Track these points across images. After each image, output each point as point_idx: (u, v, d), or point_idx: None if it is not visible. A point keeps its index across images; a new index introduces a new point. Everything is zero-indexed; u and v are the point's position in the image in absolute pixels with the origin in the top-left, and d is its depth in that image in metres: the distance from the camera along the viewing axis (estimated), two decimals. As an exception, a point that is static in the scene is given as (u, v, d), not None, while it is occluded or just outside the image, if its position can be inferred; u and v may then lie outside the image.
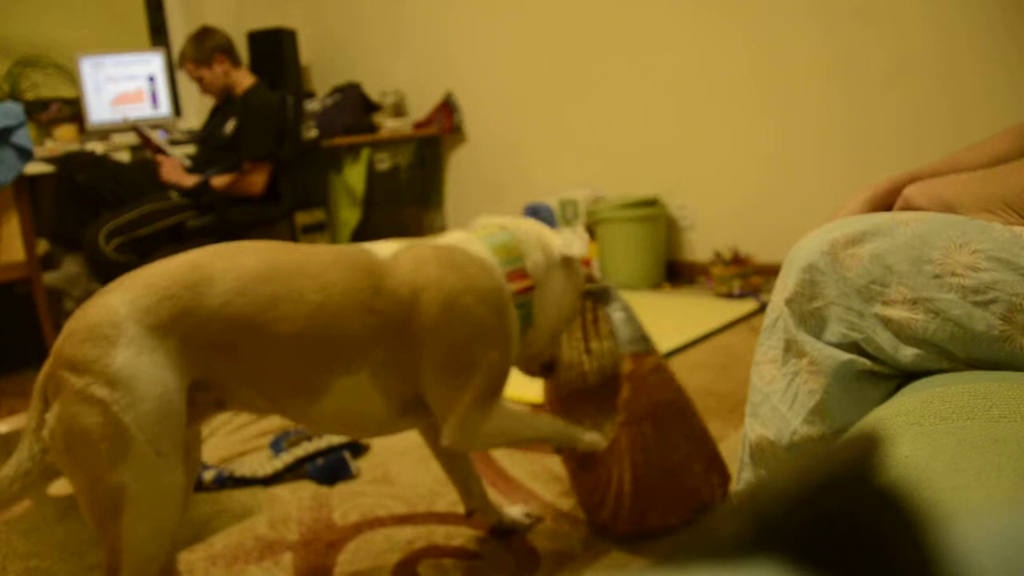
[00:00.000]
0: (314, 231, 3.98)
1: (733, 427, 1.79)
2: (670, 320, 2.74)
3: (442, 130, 4.18)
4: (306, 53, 4.41)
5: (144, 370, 0.95)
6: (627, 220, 3.34)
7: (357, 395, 1.12)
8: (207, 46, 3.18)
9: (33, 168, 2.90)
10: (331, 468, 1.67)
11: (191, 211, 3.13)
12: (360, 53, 4.47)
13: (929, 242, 0.74)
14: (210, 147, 3.28)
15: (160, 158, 3.21)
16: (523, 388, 2.04)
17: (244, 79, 3.29)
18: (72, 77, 3.74)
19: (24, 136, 2.31)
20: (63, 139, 3.59)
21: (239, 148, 3.16)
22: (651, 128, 3.48)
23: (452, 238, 1.24)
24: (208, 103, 3.49)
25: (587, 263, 3.46)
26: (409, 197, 4.17)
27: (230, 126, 3.22)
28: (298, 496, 1.62)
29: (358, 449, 1.79)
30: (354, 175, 3.92)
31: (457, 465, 1.40)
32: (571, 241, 1.31)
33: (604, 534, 1.37)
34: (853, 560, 0.19)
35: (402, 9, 4.27)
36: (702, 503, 1.32)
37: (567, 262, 1.31)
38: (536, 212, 3.52)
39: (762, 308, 2.83)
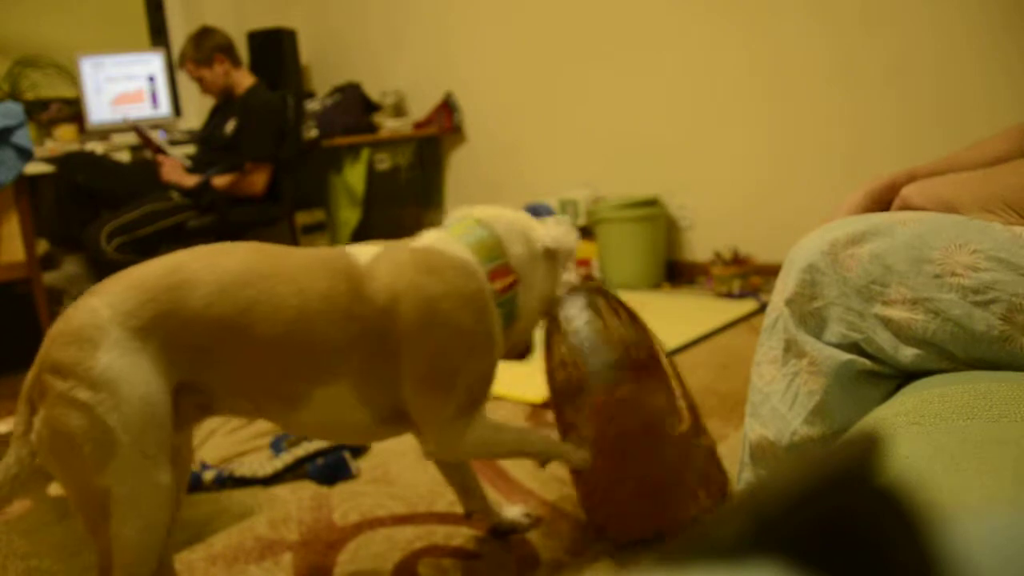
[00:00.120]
0: (314, 231, 3.98)
1: (733, 427, 1.79)
2: (670, 320, 2.74)
3: (442, 130, 4.18)
4: (306, 53, 4.41)
5: (127, 372, 0.96)
6: (627, 220, 3.34)
7: (337, 403, 1.10)
8: (207, 46, 3.18)
9: (33, 168, 2.90)
10: (331, 468, 1.67)
11: (192, 211, 3.13)
12: (360, 53, 4.47)
13: (929, 242, 0.74)
14: (210, 147, 3.28)
15: (160, 158, 3.21)
16: (523, 389, 2.05)
17: (244, 79, 3.29)
18: (72, 77, 3.74)
19: (24, 136, 2.31)
20: (63, 139, 3.59)
21: (239, 148, 3.16)
22: (651, 128, 3.48)
23: (429, 239, 1.20)
24: (208, 103, 3.49)
25: (585, 263, 3.46)
26: (409, 197, 4.17)
27: (230, 126, 3.23)
28: (298, 496, 1.62)
29: (358, 449, 1.79)
30: (354, 175, 3.92)
31: (455, 467, 1.39)
32: (556, 231, 1.27)
33: (603, 535, 1.37)
34: (853, 560, 0.19)
35: (402, 9, 4.27)
36: (691, 516, 1.29)
37: (550, 253, 1.27)
38: (536, 212, 3.51)
39: (762, 308, 2.83)
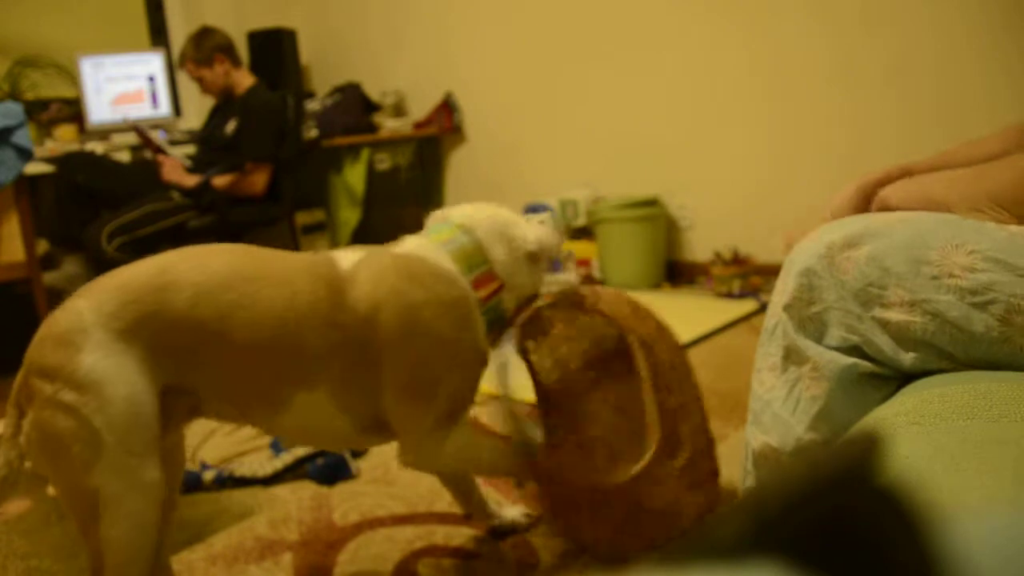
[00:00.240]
0: (314, 231, 3.98)
1: (733, 427, 1.79)
2: (670, 320, 2.73)
3: (442, 130, 4.18)
4: (306, 53, 4.41)
5: (112, 373, 0.97)
6: (627, 220, 3.34)
7: (317, 410, 1.10)
8: (207, 46, 3.18)
9: (33, 168, 2.90)
10: (331, 468, 1.67)
11: (192, 211, 3.13)
12: (360, 53, 4.47)
13: (926, 243, 0.74)
14: (211, 147, 3.28)
15: (161, 158, 3.21)
16: (523, 389, 2.04)
17: (244, 79, 3.29)
18: (72, 77, 3.74)
19: (24, 136, 2.31)
20: (63, 139, 3.59)
21: (240, 148, 3.16)
22: (651, 128, 3.48)
23: (411, 245, 1.18)
24: (208, 103, 3.49)
25: (585, 263, 3.46)
26: (409, 197, 4.17)
27: (231, 126, 3.23)
28: (298, 496, 1.62)
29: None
30: (354, 175, 3.92)
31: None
32: (538, 233, 1.24)
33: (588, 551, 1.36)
34: (853, 560, 0.19)
35: (402, 9, 4.27)
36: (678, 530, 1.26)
37: (532, 255, 1.23)
38: (536, 212, 3.51)
39: (762, 308, 2.83)
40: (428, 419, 1.13)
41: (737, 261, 3.13)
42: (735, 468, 1.58)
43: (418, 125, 4.20)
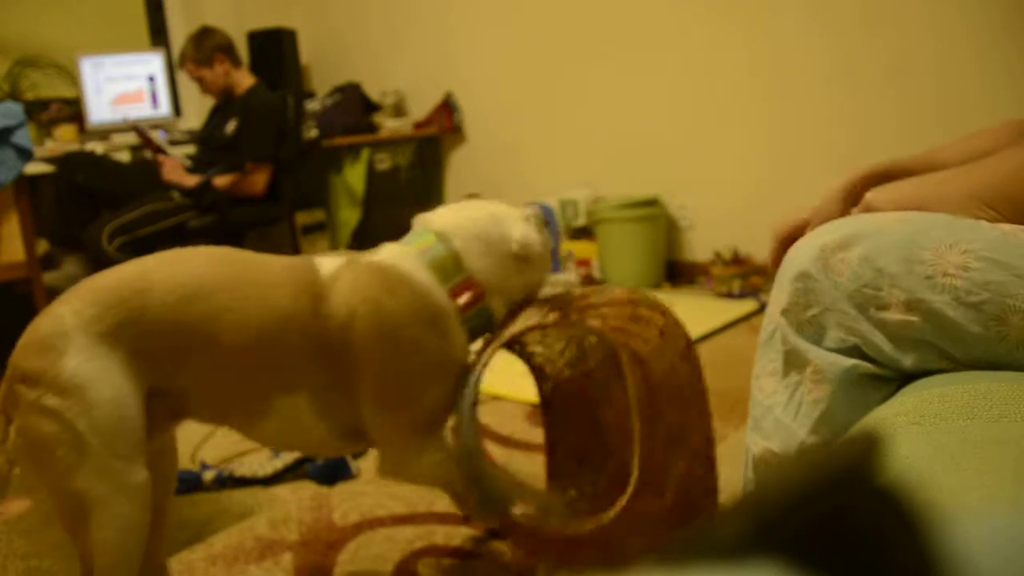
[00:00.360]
0: (314, 231, 3.98)
1: (733, 427, 1.79)
2: (670, 320, 2.74)
3: (442, 130, 4.18)
4: (306, 53, 4.41)
5: (94, 377, 0.97)
6: (627, 220, 3.34)
7: (297, 417, 1.10)
8: (207, 46, 3.18)
9: (33, 168, 2.90)
10: (331, 468, 1.67)
11: (193, 211, 3.13)
12: (360, 53, 4.47)
13: (919, 242, 0.73)
14: (211, 147, 3.28)
15: (161, 158, 3.21)
16: (522, 388, 2.04)
17: (244, 79, 3.29)
18: (72, 77, 3.74)
19: (24, 136, 2.31)
20: (63, 139, 3.59)
21: (240, 148, 3.16)
22: (651, 128, 3.48)
23: (389, 253, 1.15)
24: (208, 103, 3.49)
25: (585, 263, 3.46)
26: (409, 197, 4.17)
27: (231, 126, 3.23)
28: (298, 496, 1.62)
29: (358, 449, 1.79)
30: (354, 175, 3.92)
31: None
32: (522, 233, 1.17)
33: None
34: (853, 560, 0.19)
35: (403, 9, 4.27)
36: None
37: (518, 257, 1.17)
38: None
39: (762, 308, 2.83)
40: (404, 430, 1.12)
41: (737, 261, 3.13)
42: (735, 468, 1.58)
43: (418, 125, 4.20)
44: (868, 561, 0.19)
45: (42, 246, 3.15)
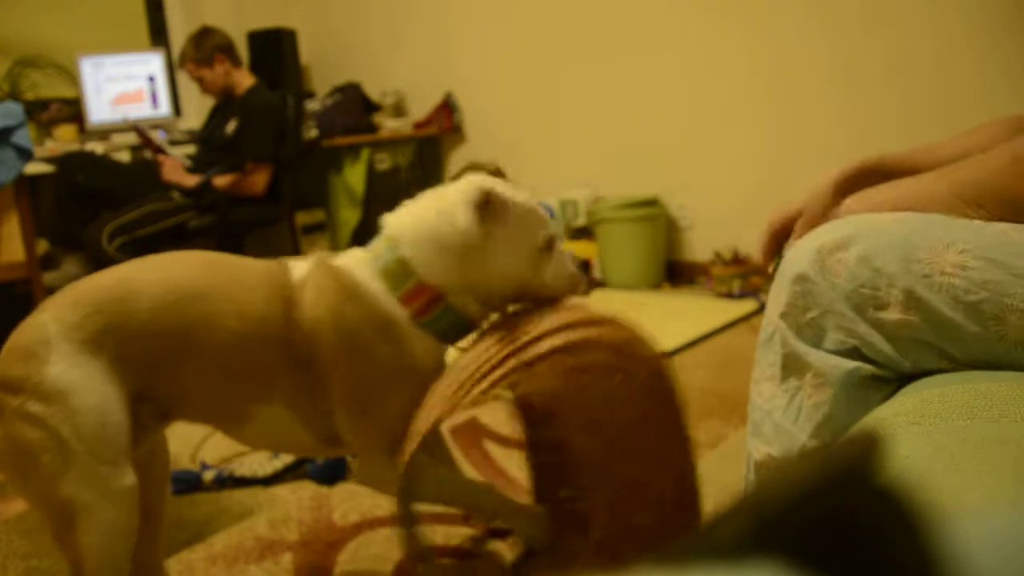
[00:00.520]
0: (314, 231, 3.98)
1: (733, 427, 1.79)
2: (670, 320, 2.74)
3: (442, 130, 4.18)
4: (306, 53, 4.41)
5: (77, 383, 0.98)
6: (627, 220, 3.34)
7: (278, 423, 1.10)
8: (207, 46, 3.18)
9: (33, 168, 2.90)
10: (331, 468, 1.67)
11: (193, 211, 3.13)
12: (360, 53, 4.47)
13: (915, 242, 0.73)
14: (211, 147, 3.28)
15: (161, 158, 3.21)
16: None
17: (245, 79, 3.29)
18: (72, 77, 3.74)
19: (24, 136, 2.31)
20: (63, 139, 3.59)
21: (240, 148, 3.16)
22: (651, 128, 3.48)
23: (349, 259, 1.12)
24: (208, 103, 3.49)
25: (587, 263, 3.46)
26: (409, 197, 4.16)
27: (231, 126, 3.23)
28: (298, 496, 1.62)
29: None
30: (354, 175, 3.92)
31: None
32: (465, 224, 1.05)
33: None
34: (853, 560, 0.19)
35: (402, 9, 4.27)
36: None
37: (473, 248, 1.07)
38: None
39: (762, 308, 2.83)
40: (372, 437, 1.10)
41: (737, 261, 3.13)
42: (735, 468, 1.58)
43: (418, 125, 4.20)
44: (868, 561, 0.19)
45: (42, 246, 3.15)
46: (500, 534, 1.41)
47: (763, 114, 3.15)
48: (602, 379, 1.01)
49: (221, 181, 3.12)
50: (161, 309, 1.03)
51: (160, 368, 1.04)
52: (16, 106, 2.32)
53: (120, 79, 3.77)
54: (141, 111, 3.79)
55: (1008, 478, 0.52)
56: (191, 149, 3.47)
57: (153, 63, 3.86)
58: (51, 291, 2.90)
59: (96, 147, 3.48)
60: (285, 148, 3.26)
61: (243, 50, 3.64)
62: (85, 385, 0.98)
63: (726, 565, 0.19)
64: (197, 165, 3.23)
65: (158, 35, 4.29)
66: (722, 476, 1.56)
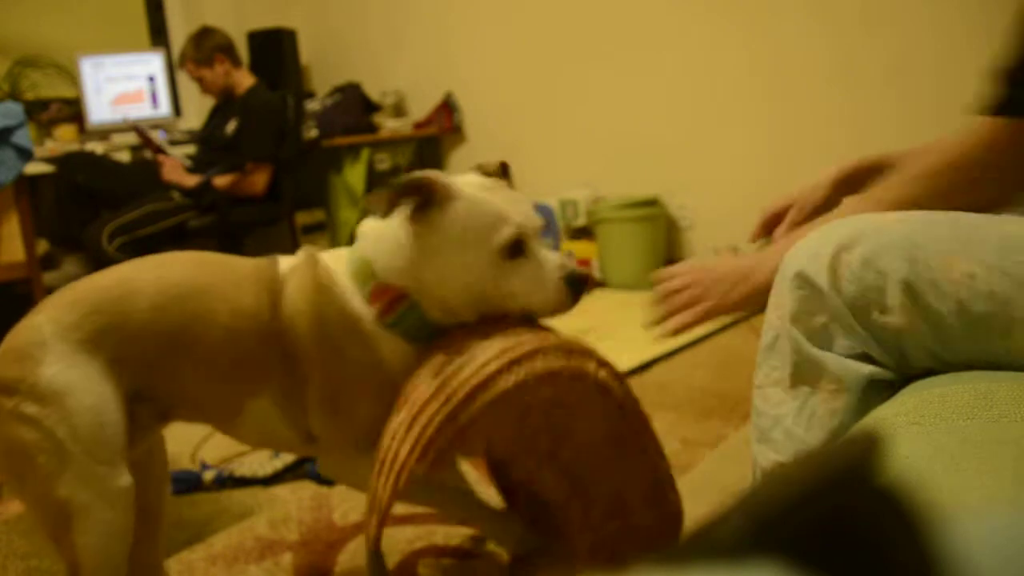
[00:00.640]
0: (314, 231, 3.98)
1: (733, 427, 1.79)
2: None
3: (442, 130, 4.18)
4: (306, 53, 4.41)
5: (73, 384, 0.98)
6: (627, 220, 3.34)
7: (266, 419, 1.11)
8: (207, 46, 3.18)
9: (33, 168, 2.90)
10: (331, 468, 1.67)
11: (193, 211, 3.13)
12: (360, 53, 4.47)
13: (920, 244, 0.72)
14: (211, 147, 3.28)
15: (161, 158, 3.21)
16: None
17: (245, 79, 3.29)
18: (72, 77, 3.74)
19: (24, 136, 2.31)
20: (63, 139, 3.59)
21: (240, 148, 3.16)
22: (651, 128, 3.48)
23: (329, 256, 1.12)
24: (208, 103, 3.49)
25: (585, 263, 3.46)
26: (409, 197, 4.17)
27: (231, 126, 3.23)
28: (298, 496, 1.62)
29: (358, 449, 1.79)
30: (354, 175, 3.92)
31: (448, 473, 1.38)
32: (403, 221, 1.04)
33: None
34: (853, 560, 0.19)
35: (402, 9, 4.27)
36: None
37: (408, 236, 1.04)
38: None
39: (761, 308, 2.83)
40: (341, 433, 1.10)
41: (737, 261, 3.13)
42: (735, 468, 1.58)
43: (418, 125, 4.20)
44: (868, 561, 0.19)
45: (42, 246, 3.15)
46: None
47: (763, 114, 3.15)
48: (550, 414, 0.98)
49: (221, 181, 3.12)
50: (159, 309, 1.03)
51: (158, 367, 1.04)
52: (16, 106, 2.32)
53: (120, 79, 3.77)
54: (141, 111, 3.79)
55: (1008, 478, 0.52)
56: (191, 149, 3.47)
57: (153, 63, 3.86)
58: (51, 291, 2.91)
59: (96, 147, 3.48)
60: (285, 148, 3.26)
61: (243, 50, 3.64)
62: (81, 385, 0.98)
63: (726, 565, 0.19)
64: (197, 165, 3.23)
65: (158, 35, 4.29)
66: (722, 476, 1.56)
